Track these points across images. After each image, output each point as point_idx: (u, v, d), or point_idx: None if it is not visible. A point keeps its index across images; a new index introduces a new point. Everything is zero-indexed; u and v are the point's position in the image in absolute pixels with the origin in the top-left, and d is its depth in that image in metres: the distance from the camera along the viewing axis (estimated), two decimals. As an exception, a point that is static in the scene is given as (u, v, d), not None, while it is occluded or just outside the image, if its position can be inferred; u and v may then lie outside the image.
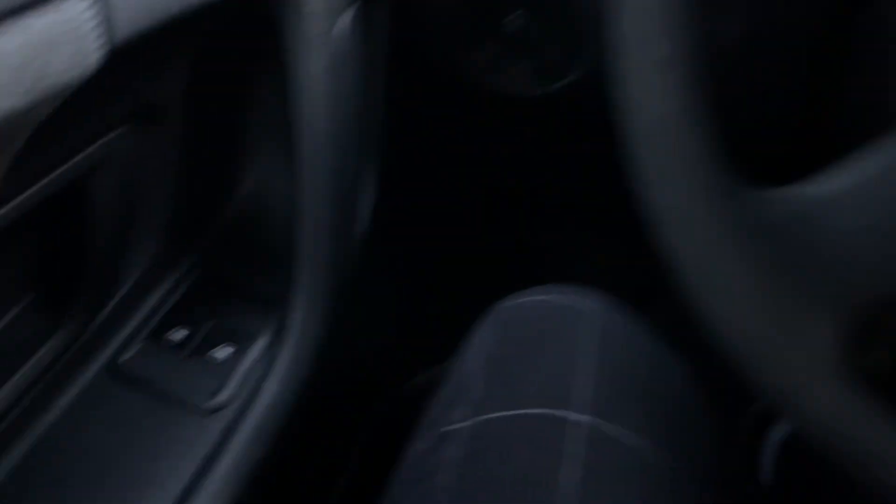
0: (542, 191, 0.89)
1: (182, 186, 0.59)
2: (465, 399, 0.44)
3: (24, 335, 0.51)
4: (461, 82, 0.68)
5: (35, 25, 0.29)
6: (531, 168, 0.86)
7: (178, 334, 0.59)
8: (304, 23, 0.50)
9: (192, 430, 0.54)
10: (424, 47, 0.69)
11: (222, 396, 0.55)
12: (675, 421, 0.43)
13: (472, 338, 0.49)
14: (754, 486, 0.66)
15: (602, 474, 0.38)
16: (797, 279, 0.26)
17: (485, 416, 0.41)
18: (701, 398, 0.46)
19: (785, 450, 0.69)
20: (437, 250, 0.91)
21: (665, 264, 0.27)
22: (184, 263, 0.63)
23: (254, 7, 0.49)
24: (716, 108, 0.26)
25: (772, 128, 0.67)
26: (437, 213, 0.90)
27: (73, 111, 0.33)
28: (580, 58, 0.64)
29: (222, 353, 0.59)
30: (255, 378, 0.57)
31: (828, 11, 0.57)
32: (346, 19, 0.54)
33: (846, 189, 0.26)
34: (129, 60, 0.35)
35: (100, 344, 0.56)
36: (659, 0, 0.26)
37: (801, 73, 0.62)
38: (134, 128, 0.50)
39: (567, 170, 0.84)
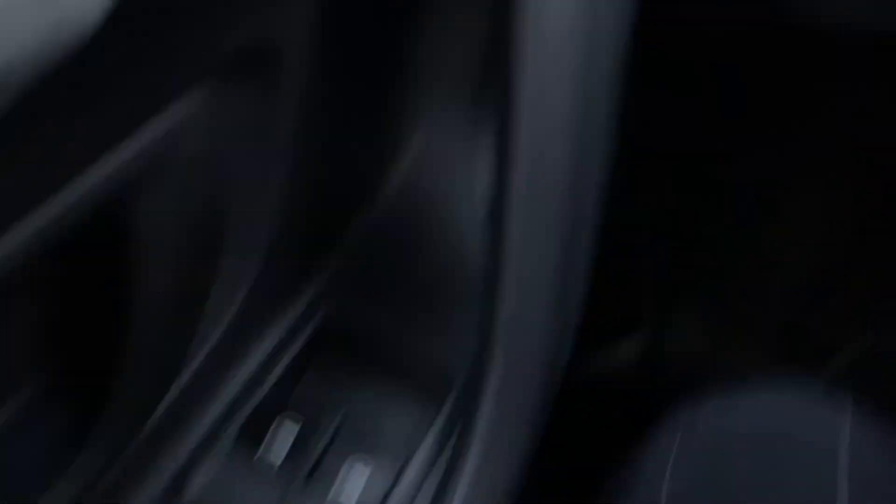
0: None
1: (299, 184, 0.35)
2: None
3: (31, 448, 0.29)
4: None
5: None
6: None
7: (281, 440, 0.35)
8: None
9: None
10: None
11: None
12: None
13: (652, 453, 0.38)
14: None
15: None
16: None
17: None
18: None
19: None
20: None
21: None
22: (292, 312, 0.38)
23: None
24: None
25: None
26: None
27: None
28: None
29: (352, 477, 0.35)
30: None
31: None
32: None
33: None
34: None
35: (156, 457, 0.33)
36: None
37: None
38: (224, 85, 0.26)
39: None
